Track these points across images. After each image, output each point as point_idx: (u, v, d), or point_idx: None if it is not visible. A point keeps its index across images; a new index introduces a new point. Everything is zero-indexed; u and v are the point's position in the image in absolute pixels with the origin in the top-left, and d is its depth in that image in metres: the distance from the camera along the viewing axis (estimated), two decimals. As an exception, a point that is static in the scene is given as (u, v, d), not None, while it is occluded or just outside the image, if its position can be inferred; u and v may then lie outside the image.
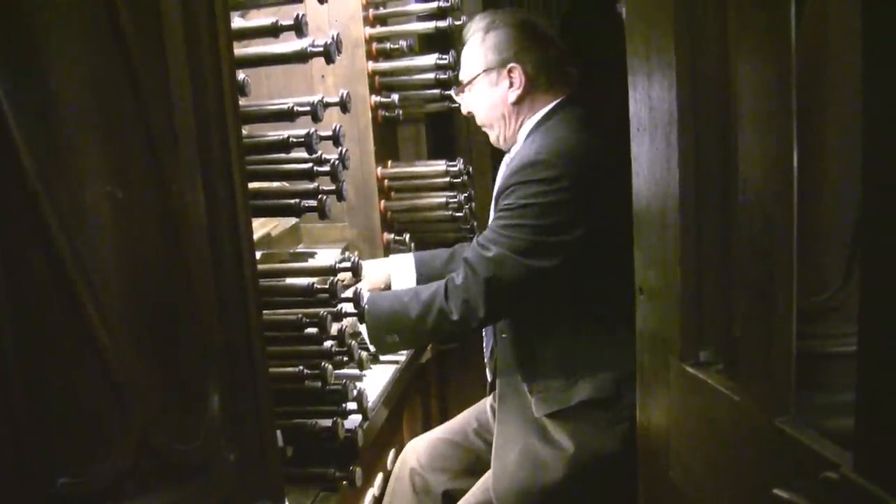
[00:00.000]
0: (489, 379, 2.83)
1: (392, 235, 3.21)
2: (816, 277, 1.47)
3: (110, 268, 1.19)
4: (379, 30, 3.10)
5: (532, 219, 2.34)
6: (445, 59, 3.08)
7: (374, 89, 3.13)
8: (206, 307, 1.30)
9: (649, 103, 1.50)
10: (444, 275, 2.84)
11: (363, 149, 3.15)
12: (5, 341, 1.17)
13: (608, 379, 2.45)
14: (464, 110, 2.73)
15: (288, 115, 1.86)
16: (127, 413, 1.20)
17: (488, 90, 2.59)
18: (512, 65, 2.53)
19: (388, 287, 2.90)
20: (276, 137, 1.82)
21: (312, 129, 1.83)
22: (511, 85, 2.55)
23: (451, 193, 3.21)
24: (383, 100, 3.13)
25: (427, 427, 3.18)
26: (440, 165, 3.22)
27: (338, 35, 1.92)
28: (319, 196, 1.88)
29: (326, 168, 1.92)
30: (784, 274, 1.26)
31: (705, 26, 1.37)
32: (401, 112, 3.16)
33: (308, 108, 1.85)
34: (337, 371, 2.06)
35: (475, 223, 3.29)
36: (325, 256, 3.13)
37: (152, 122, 1.21)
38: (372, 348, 2.51)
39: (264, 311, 1.95)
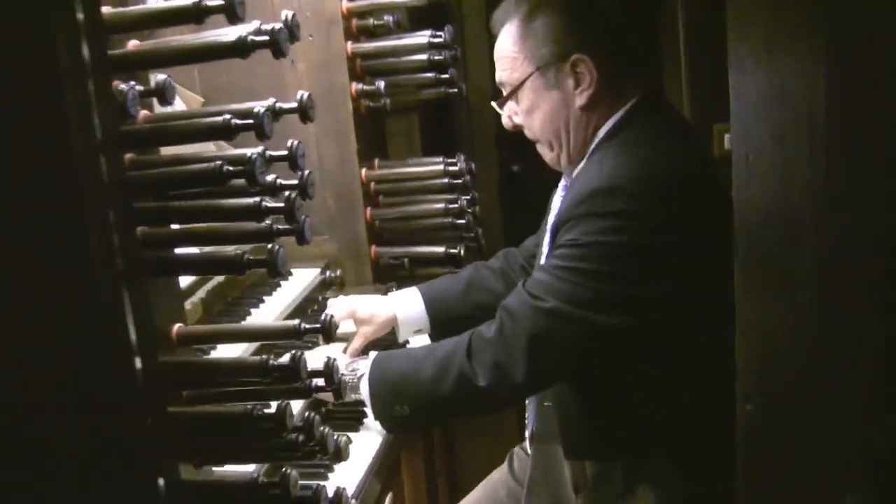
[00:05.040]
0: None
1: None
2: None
3: None
4: (359, 3, 2.56)
5: (599, 262, 1.78)
6: (440, 36, 2.55)
7: (355, 75, 2.60)
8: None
9: (766, 107, 0.99)
10: (464, 310, 2.32)
11: (343, 147, 2.62)
12: None
13: (685, 493, 1.91)
14: (507, 124, 2.08)
15: (224, 132, 1.33)
16: None
17: (546, 94, 1.95)
18: (577, 56, 1.90)
19: (392, 342, 2.39)
20: (203, 167, 1.29)
21: (254, 153, 1.30)
22: (578, 84, 1.92)
23: (451, 196, 2.68)
24: (367, 87, 2.59)
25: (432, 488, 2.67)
26: (437, 164, 2.69)
27: (292, 16, 1.39)
28: (271, 245, 1.35)
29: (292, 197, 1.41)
30: None
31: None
32: (388, 101, 2.61)
33: (252, 121, 1.32)
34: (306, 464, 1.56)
35: (479, 231, 2.78)
36: (303, 277, 2.63)
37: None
38: (375, 423, 2.00)
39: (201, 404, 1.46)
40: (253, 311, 2.33)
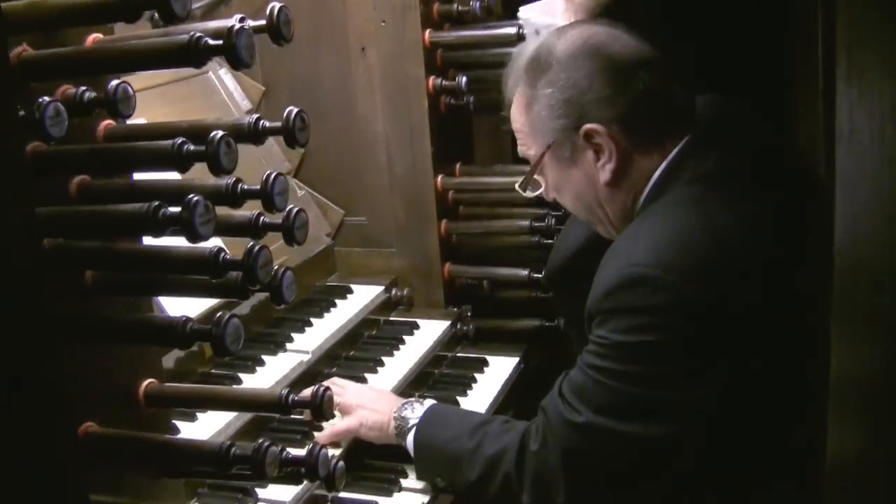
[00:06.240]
0: None
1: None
2: None
3: None
4: (442, -16, 2.22)
5: (629, 364, 1.52)
6: (534, 26, 2.17)
7: (434, 68, 2.26)
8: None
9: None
10: None
11: (417, 150, 2.29)
12: None
13: None
14: (547, 196, 1.84)
15: (177, 161, 1.02)
16: None
17: (566, 173, 1.71)
18: (588, 126, 1.61)
19: None
20: (134, 209, 0.99)
21: (196, 198, 0.98)
22: (598, 156, 1.64)
23: (540, 212, 2.31)
24: (447, 83, 2.25)
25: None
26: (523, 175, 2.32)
27: (279, 11, 1.07)
28: (220, 314, 1.04)
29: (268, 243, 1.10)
30: None
31: None
32: (472, 99, 2.26)
33: (205, 150, 1.01)
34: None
35: (571, 253, 2.40)
36: (363, 295, 2.32)
37: None
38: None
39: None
40: (296, 336, 2.04)
